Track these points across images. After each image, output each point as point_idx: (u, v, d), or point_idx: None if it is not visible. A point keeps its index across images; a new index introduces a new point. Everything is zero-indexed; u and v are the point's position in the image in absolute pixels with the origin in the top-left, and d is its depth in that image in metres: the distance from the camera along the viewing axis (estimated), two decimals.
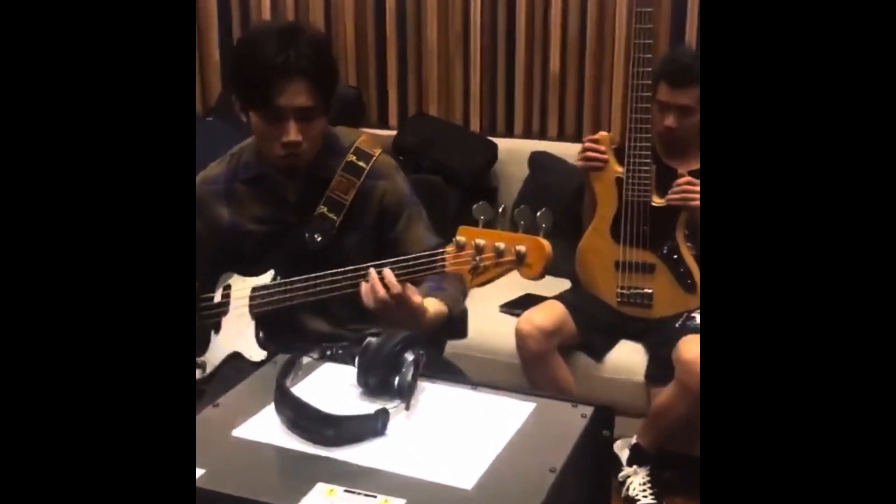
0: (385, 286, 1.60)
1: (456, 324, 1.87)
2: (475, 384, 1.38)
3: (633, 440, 2.54)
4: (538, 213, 1.43)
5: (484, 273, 1.47)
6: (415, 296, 1.65)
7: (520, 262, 1.43)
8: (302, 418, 1.21)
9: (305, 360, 1.41)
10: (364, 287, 1.63)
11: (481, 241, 1.45)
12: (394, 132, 3.34)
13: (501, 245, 1.43)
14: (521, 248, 1.42)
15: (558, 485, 1.12)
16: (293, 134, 1.74)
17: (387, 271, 1.61)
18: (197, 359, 1.92)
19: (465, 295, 1.89)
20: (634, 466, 2.52)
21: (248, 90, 1.76)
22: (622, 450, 2.56)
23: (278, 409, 1.25)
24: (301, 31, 1.75)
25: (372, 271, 1.63)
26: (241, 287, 1.89)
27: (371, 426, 1.22)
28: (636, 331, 2.60)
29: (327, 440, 1.20)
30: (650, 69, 2.38)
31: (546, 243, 1.42)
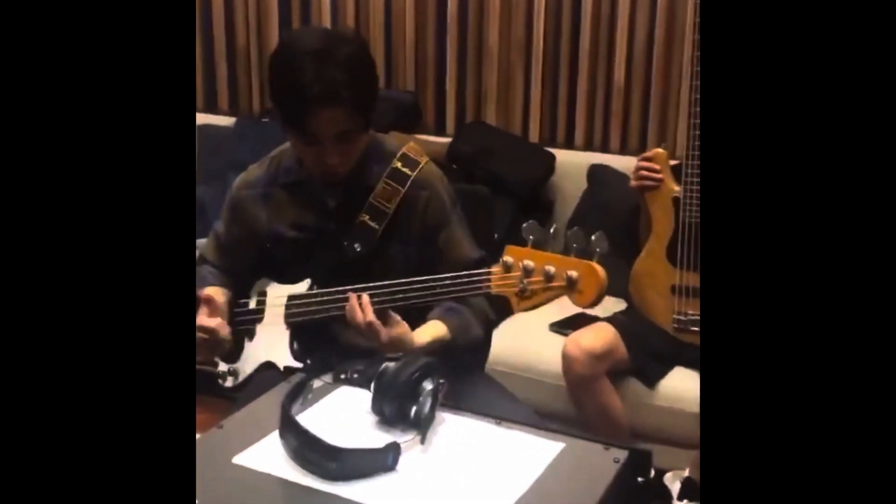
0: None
1: (466, 352, 1.77)
2: (499, 419, 1.28)
3: (686, 473, 2.40)
4: (593, 237, 1.32)
5: (532, 297, 1.38)
6: (395, 327, 1.58)
7: (571, 288, 1.33)
8: (306, 449, 1.13)
9: (318, 383, 1.33)
10: (347, 308, 1.59)
11: (530, 263, 1.37)
12: (450, 139, 3.26)
13: (552, 269, 1.34)
14: (574, 273, 1.32)
15: None
16: (332, 158, 1.67)
17: (364, 297, 1.58)
18: (229, 366, 1.88)
19: (486, 322, 1.80)
20: (685, 501, 2.38)
21: (284, 112, 1.69)
22: (673, 482, 2.43)
23: (282, 437, 1.17)
24: (336, 50, 1.62)
25: (352, 296, 1.59)
26: (277, 294, 1.83)
27: (380, 461, 1.13)
28: (693, 358, 2.47)
29: (332, 474, 1.12)
30: None
31: (600, 269, 1.32)
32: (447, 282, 1.54)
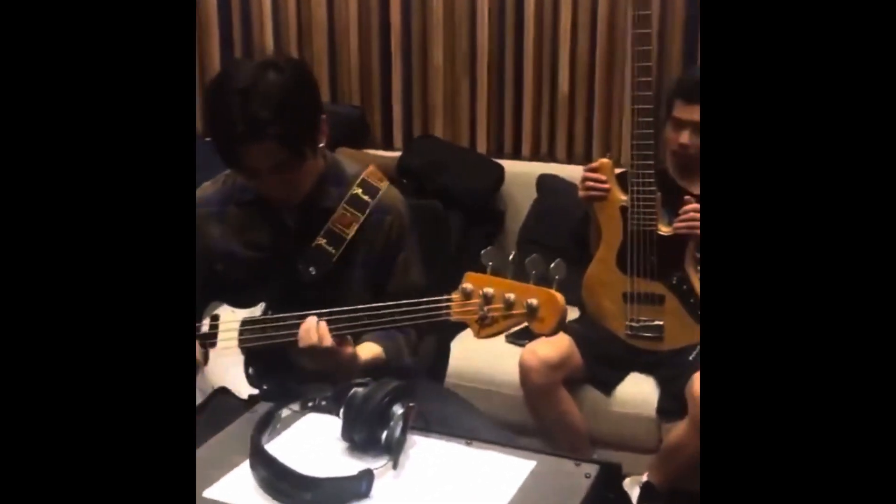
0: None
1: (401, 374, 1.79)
2: (470, 439, 1.28)
3: (644, 478, 2.44)
4: (552, 265, 1.34)
5: (492, 325, 1.39)
6: (347, 348, 1.61)
7: (531, 316, 1.35)
8: (278, 480, 1.12)
9: (286, 412, 1.32)
10: (302, 331, 1.59)
11: (490, 291, 1.37)
12: (398, 153, 3.26)
13: (512, 296, 1.35)
14: (534, 301, 1.34)
15: None
16: (274, 189, 1.68)
17: (322, 324, 1.58)
18: None
19: (414, 354, 1.82)
20: None
21: (217, 148, 1.67)
22: (632, 488, 2.46)
23: (253, 469, 1.16)
24: (262, 85, 1.60)
25: (311, 319, 1.59)
26: (231, 318, 1.80)
27: (354, 489, 1.13)
28: (647, 363, 2.51)
29: None
30: (650, 93, 2.29)
31: (560, 297, 1.35)
32: (406, 308, 1.54)
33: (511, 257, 1.39)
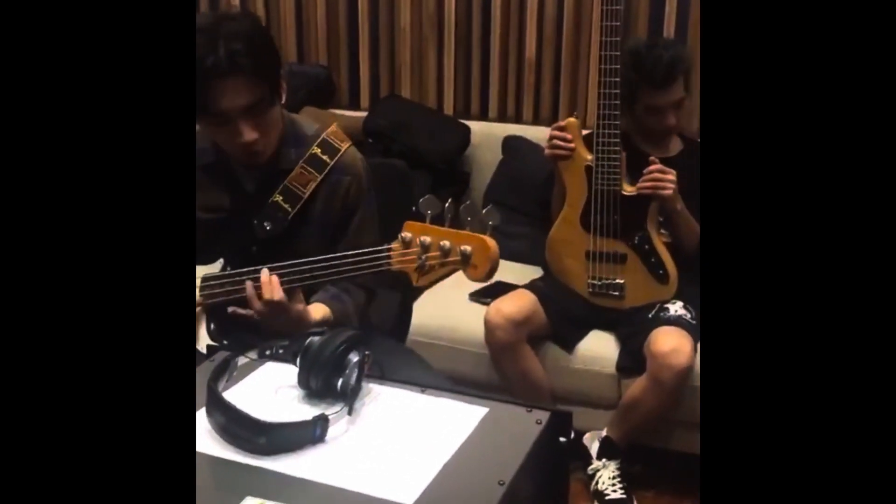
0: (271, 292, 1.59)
1: None
2: (424, 386, 1.31)
3: (604, 433, 2.49)
4: (484, 210, 1.34)
5: (430, 272, 1.39)
6: (297, 304, 1.63)
7: (465, 262, 1.35)
8: (233, 425, 1.14)
9: (242, 360, 1.33)
10: (249, 290, 1.61)
11: (427, 239, 1.38)
12: (365, 113, 3.24)
13: (447, 244, 1.35)
14: (467, 248, 1.34)
15: (507, 499, 1.05)
16: (247, 134, 1.65)
17: (274, 278, 1.59)
18: None
19: (362, 315, 1.84)
20: (604, 460, 2.47)
21: None
22: (592, 442, 2.51)
23: (209, 414, 1.17)
24: (224, 25, 1.60)
25: (264, 273, 1.59)
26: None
27: (308, 434, 1.14)
28: (608, 321, 2.54)
29: (261, 448, 1.13)
30: (619, 53, 2.30)
31: (492, 243, 1.34)
32: (349, 260, 1.54)
33: (447, 205, 1.39)
